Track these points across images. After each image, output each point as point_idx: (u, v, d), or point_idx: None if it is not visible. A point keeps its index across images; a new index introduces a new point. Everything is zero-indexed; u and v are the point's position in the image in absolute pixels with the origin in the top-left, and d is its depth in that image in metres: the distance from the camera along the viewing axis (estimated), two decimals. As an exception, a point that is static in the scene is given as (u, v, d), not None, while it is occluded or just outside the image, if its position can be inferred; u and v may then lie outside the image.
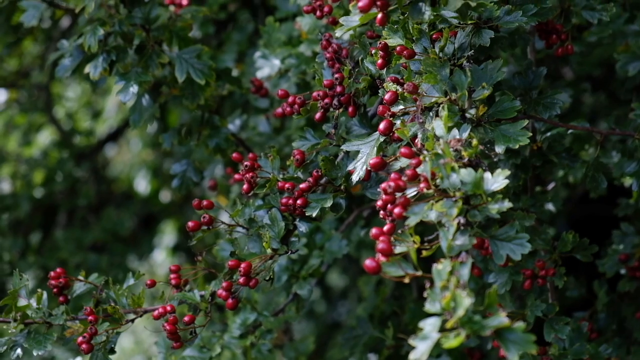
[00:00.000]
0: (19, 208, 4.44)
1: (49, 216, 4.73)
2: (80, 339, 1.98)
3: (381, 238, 1.51)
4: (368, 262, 1.48)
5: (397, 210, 1.52)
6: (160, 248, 5.21)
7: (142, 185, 5.28)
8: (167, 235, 5.33)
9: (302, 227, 1.95)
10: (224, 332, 2.52)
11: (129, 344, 6.00)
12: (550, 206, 2.37)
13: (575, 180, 2.75)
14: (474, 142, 1.55)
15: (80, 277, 2.15)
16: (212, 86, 2.40)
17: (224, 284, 1.95)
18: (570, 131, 2.35)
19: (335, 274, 4.45)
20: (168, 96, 2.45)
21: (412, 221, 1.50)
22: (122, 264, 4.54)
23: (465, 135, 1.58)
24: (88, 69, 2.33)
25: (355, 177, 1.84)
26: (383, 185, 1.55)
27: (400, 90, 1.73)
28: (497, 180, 1.50)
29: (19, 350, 2.05)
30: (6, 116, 4.90)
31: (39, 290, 2.12)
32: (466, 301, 1.34)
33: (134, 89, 2.29)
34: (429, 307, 1.38)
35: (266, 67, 2.69)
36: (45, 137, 5.07)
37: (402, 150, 1.60)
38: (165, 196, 5.23)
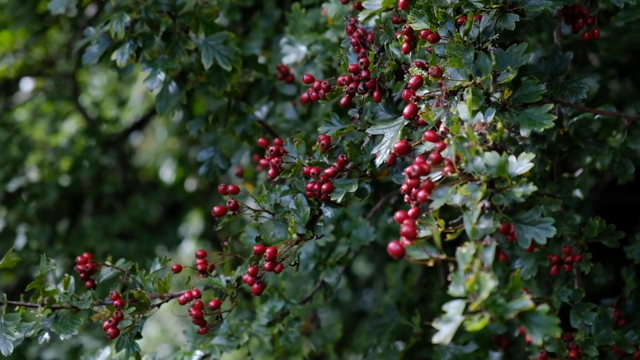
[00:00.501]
0: (47, 196, 4.48)
1: (76, 204, 4.77)
2: (106, 323, 2.01)
3: (405, 221, 1.52)
4: (392, 246, 1.49)
5: (421, 193, 1.53)
6: (186, 237, 5.24)
7: (168, 174, 5.31)
8: (193, 224, 5.37)
9: (328, 212, 1.96)
10: (251, 321, 2.55)
11: (155, 332, 6.05)
12: (577, 193, 2.37)
13: (603, 167, 2.74)
14: (499, 125, 1.56)
15: (107, 263, 2.18)
16: (238, 73, 2.41)
17: (249, 269, 1.96)
18: (597, 117, 2.35)
19: (361, 262, 4.46)
20: (194, 83, 2.47)
21: (436, 204, 1.52)
22: (149, 251, 4.59)
23: (489, 118, 1.59)
24: (115, 56, 2.35)
25: (379, 161, 1.85)
26: (407, 169, 1.56)
27: (424, 74, 1.75)
28: (521, 164, 1.51)
29: (46, 335, 2.08)
30: (33, 105, 4.95)
31: (67, 275, 2.15)
32: (490, 284, 1.35)
33: (160, 76, 2.31)
34: (452, 290, 1.40)
35: (292, 53, 2.71)
36: (71, 125, 5.12)
37: (427, 134, 1.61)
38: (190, 185, 5.26)
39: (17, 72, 4.85)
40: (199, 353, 2.38)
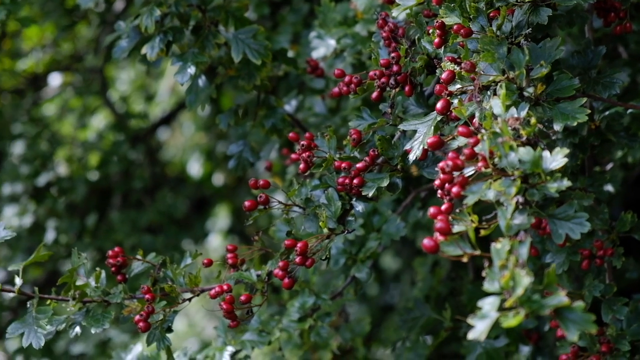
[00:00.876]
0: (76, 191, 4.52)
1: (104, 199, 4.81)
2: (137, 317, 2.03)
3: (439, 217, 1.52)
4: (426, 242, 1.49)
5: (455, 189, 1.53)
6: (213, 232, 5.26)
7: (195, 168, 5.33)
8: (220, 218, 5.39)
9: (359, 207, 1.97)
10: (281, 316, 2.56)
11: (183, 326, 6.08)
12: (609, 187, 2.36)
13: (634, 160, 2.73)
14: (533, 120, 1.56)
15: (138, 256, 2.20)
16: (268, 66, 2.42)
17: (280, 264, 1.97)
18: (629, 111, 2.34)
19: (389, 257, 4.46)
20: (224, 77, 2.48)
21: (470, 200, 1.52)
22: (176, 246, 4.61)
23: (523, 113, 1.59)
24: (145, 50, 2.36)
25: (412, 157, 1.85)
26: (441, 164, 1.57)
27: (457, 69, 1.75)
28: (555, 159, 1.51)
29: (77, 329, 2.10)
30: (61, 100, 4.98)
31: (97, 269, 2.17)
32: (525, 280, 1.35)
33: (190, 69, 2.32)
34: (487, 286, 1.40)
35: (322, 47, 2.71)
36: (99, 120, 5.15)
37: (460, 129, 1.61)
38: (218, 179, 5.28)
39: (45, 67, 4.89)
40: (230, 349, 2.39)
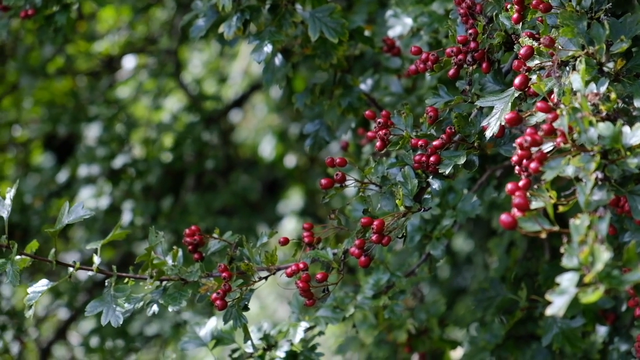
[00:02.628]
0: (151, 172, 4.61)
1: (177, 181, 4.89)
2: (214, 295, 2.06)
3: (517, 193, 1.54)
4: (504, 217, 1.51)
5: (533, 165, 1.55)
6: (286, 214, 5.31)
7: (267, 150, 5.39)
8: (293, 200, 5.44)
9: (435, 185, 1.99)
10: (356, 294, 2.59)
11: (255, 308, 6.16)
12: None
13: None
14: (612, 96, 1.57)
15: (215, 235, 2.24)
16: (344, 45, 2.45)
17: (356, 242, 2.00)
18: None
19: (461, 239, 4.47)
20: (300, 56, 2.52)
21: (548, 176, 1.53)
22: (250, 228, 4.67)
23: (603, 89, 1.59)
24: (222, 29, 2.40)
25: (489, 133, 1.86)
26: (519, 140, 1.58)
27: (535, 44, 1.76)
28: (636, 134, 1.51)
29: (154, 307, 2.15)
30: (135, 82, 5.09)
31: (175, 247, 2.22)
32: (605, 255, 1.37)
33: (267, 48, 2.36)
34: (566, 262, 1.41)
35: (398, 25, 2.73)
36: (173, 102, 5.24)
37: (539, 104, 1.62)
38: (290, 161, 5.33)
39: (120, 49, 4.99)
40: (304, 325, 2.43)
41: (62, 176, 4.70)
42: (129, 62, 5.09)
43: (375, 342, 2.97)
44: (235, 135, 5.71)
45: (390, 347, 2.97)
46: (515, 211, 1.52)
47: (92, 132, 4.76)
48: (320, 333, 2.47)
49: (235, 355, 2.40)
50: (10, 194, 2.13)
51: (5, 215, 2.11)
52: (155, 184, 4.66)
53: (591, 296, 1.37)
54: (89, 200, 4.53)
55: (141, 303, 2.14)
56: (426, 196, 2.01)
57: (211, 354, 2.40)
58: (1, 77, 4.69)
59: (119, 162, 4.60)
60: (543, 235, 1.51)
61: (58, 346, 5.00)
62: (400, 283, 2.56)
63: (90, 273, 2.14)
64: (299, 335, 2.40)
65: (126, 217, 4.49)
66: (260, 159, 5.43)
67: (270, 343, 2.42)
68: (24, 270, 2.12)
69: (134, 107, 5.15)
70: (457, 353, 3.22)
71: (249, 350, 2.37)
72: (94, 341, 4.48)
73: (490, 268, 2.96)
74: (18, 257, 2.09)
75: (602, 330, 2.66)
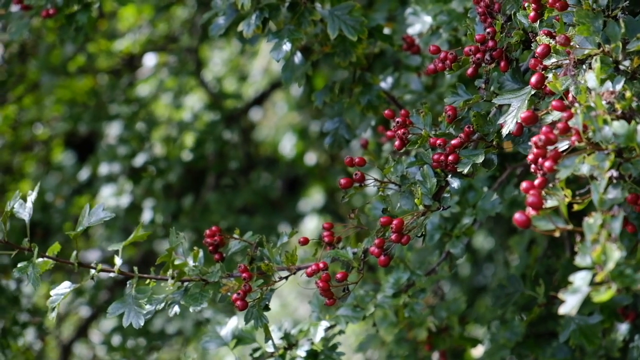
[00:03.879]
0: (172, 171, 4.64)
1: (198, 179, 4.93)
2: (235, 296, 2.08)
3: (531, 191, 1.56)
4: (518, 216, 1.54)
5: (547, 163, 1.57)
6: (307, 212, 5.33)
7: (288, 148, 5.42)
8: (314, 198, 5.46)
9: (455, 183, 2.01)
10: (376, 292, 2.62)
11: (276, 307, 6.19)
12: None
13: None
14: (628, 94, 1.59)
15: (235, 235, 2.27)
16: (363, 43, 2.48)
17: (376, 241, 2.02)
18: None
19: (481, 236, 4.49)
20: (319, 54, 2.54)
21: (563, 174, 1.56)
22: (272, 226, 4.70)
23: (618, 87, 1.61)
24: (241, 27, 2.43)
25: (505, 131, 1.89)
26: (534, 138, 1.60)
27: (552, 42, 1.78)
28: (651, 133, 1.53)
29: (176, 308, 2.17)
30: (156, 80, 5.13)
31: (195, 248, 2.24)
32: (616, 254, 1.39)
33: (286, 46, 2.39)
34: (579, 261, 1.43)
35: (417, 23, 2.76)
36: (194, 100, 5.28)
37: (554, 103, 1.65)
38: (310, 159, 5.37)
39: (141, 47, 5.04)
40: (324, 324, 2.46)
41: (84, 174, 4.76)
42: (150, 60, 5.13)
43: (395, 340, 2.99)
44: (256, 133, 5.75)
45: (410, 345, 2.99)
46: (529, 210, 1.55)
47: (113, 131, 4.80)
48: (341, 332, 2.50)
49: (256, 354, 2.42)
50: (31, 197, 2.15)
51: (27, 218, 2.15)
52: (176, 182, 4.69)
53: (603, 295, 1.39)
54: (110, 199, 4.57)
55: (162, 304, 2.17)
56: (445, 195, 2.04)
57: (232, 353, 2.43)
58: (22, 76, 4.74)
59: (139, 160, 4.65)
60: (557, 234, 1.54)
61: (79, 344, 5.07)
62: (420, 282, 2.59)
63: (112, 274, 2.18)
64: (319, 334, 2.43)
65: (147, 216, 4.54)
66: (280, 156, 5.46)
67: (291, 342, 2.45)
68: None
69: (155, 106, 5.19)
70: (478, 351, 3.25)
71: (270, 349, 2.40)
72: (116, 340, 4.53)
73: (511, 266, 2.98)
74: (40, 259, 2.12)
75: (622, 328, 2.67)
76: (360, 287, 2.73)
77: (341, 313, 2.51)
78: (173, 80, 5.04)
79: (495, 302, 2.71)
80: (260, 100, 5.40)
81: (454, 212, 2.62)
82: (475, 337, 3.06)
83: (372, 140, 3.25)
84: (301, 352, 2.42)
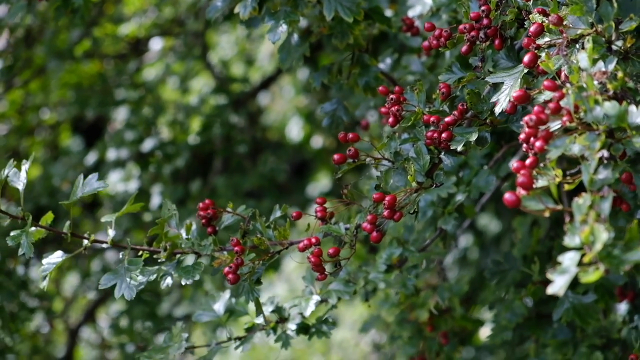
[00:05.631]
0: (180, 156, 4.65)
1: (205, 164, 4.93)
2: (226, 269, 2.09)
3: (522, 171, 1.55)
4: (507, 196, 1.53)
5: (538, 143, 1.56)
6: (315, 196, 5.32)
7: (294, 131, 5.42)
8: (322, 182, 5.46)
9: (447, 161, 2.00)
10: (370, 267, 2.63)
11: (283, 291, 6.21)
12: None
13: None
14: (619, 74, 1.58)
15: (229, 209, 2.27)
16: (361, 24, 2.47)
17: (369, 217, 2.01)
18: None
19: (487, 219, 4.48)
20: (318, 36, 2.54)
21: (553, 155, 1.55)
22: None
23: (611, 67, 1.60)
24: (238, 9, 2.43)
25: (498, 109, 1.88)
26: (526, 118, 1.59)
27: (546, 21, 1.77)
28: (642, 114, 1.52)
29: (168, 279, 2.18)
30: (163, 64, 5.13)
31: (188, 221, 2.26)
32: (604, 235, 1.38)
33: (282, 28, 2.39)
34: (568, 241, 1.43)
35: (418, 5, 2.75)
36: (200, 84, 5.27)
37: (545, 83, 1.64)
38: (316, 142, 5.36)
39: (147, 31, 5.03)
40: (315, 298, 2.47)
41: (91, 158, 4.76)
42: (156, 44, 5.13)
43: (397, 321, 3.00)
44: (263, 118, 5.74)
45: (413, 326, 3.00)
46: (519, 190, 1.54)
47: (119, 115, 4.81)
48: (333, 307, 2.51)
49: (248, 326, 2.46)
50: (25, 166, 2.14)
51: (20, 187, 2.14)
52: (184, 167, 4.70)
53: (591, 276, 1.39)
54: (118, 184, 4.58)
55: (154, 275, 2.16)
56: (438, 172, 2.03)
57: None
58: (29, 60, 4.74)
59: (147, 145, 4.65)
60: (546, 214, 1.53)
61: (87, 328, 5.09)
62: (413, 258, 2.59)
63: (104, 246, 2.20)
64: (310, 308, 2.44)
65: (155, 201, 4.53)
66: (287, 141, 5.46)
67: (283, 316, 2.47)
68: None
69: (162, 90, 5.19)
70: (486, 332, 3.25)
71: (260, 321, 2.43)
72: (123, 323, 4.55)
73: (514, 247, 2.97)
74: (33, 228, 2.12)
75: (622, 308, 2.67)
76: (359, 265, 2.73)
77: (333, 287, 2.52)
78: (180, 65, 5.03)
79: (491, 277, 2.72)
80: (267, 84, 5.39)
81: (452, 193, 2.62)
82: (479, 319, 3.06)
83: (376, 123, 3.24)
84: (292, 325, 2.44)
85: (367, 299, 2.72)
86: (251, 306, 2.36)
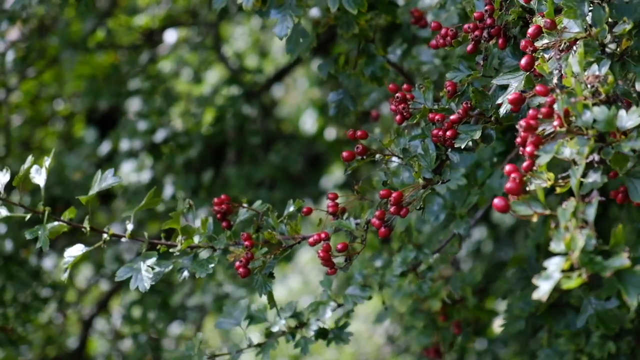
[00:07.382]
0: (192, 147, 4.72)
1: (218, 154, 5.00)
2: (237, 263, 2.16)
3: (512, 176, 1.61)
4: (497, 201, 1.58)
5: (528, 148, 1.62)
6: (328, 189, 5.37)
7: (308, 123, 5.49)
8: (336, 175, 5.52)
9: (454, 158, 2.06)
10: (386, 269, 2.71)
11: (297, 284, 6.28)
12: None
13: None
14: (610, 78, 1.62)
15: (244, 204, 2.35)
16: (367, 15, 2.53)
17: (377, 213, 2.07)
18: None
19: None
20: (325, 26, 2.60)
21: (542, 160, 1.59)
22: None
23: (604, 70, 1.65)
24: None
25: (502, 111, 1.94)
26: (521, 122, 1.64)
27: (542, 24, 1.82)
28: (631, 118, 1.56)
29: (185, 273, 2.25)
30: (176, 56, 5.19)
31: (204, 216, 2.32)
32: (581, 242, 1.43)
33: (289, 22, 2.43)
34: (554, 247, 1.47)
35: (426, -4, 2.81)
36: (213, 75, 5.33)
37: (538, 87, 1.69)
38: (329, 134, 5.41)
39: (161, 23, 5.12)
40: (333, 304, 2.54)
41: (104, 149, 4.86)
42: (170, 35, 5.19)
43: (410, 311, 3.08)
44: (277, 110, 5.79)
45: (425, 315, 3.08)
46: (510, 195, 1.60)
47: (133, 106, 4.89)
48: (350, 312, 2.57)
49: (267, 332, 2.51)
50: (47, 162, 2.20)
51: (42, 183, 2.20)
52: (196, 157, 4.77)
53: (572, 282, 1.42)
54: (131, 174, 4.67)
55: (170, 267, 2.23)
56: (446, 169, 2.09)
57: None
58: (42, 51, 4.82)
59: (160, 136, 4.74)
60: (535, 219, 1.58)
61: (100, 319, 5.18)
62: (427, 261, 2.67)
63: (123, 240, 2.27)
64: (327, 313, 2.51)
65: (168, 191, 4.62)
66: (301, 133, 5.53)
67: (301, 321, 2.52)
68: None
69: (175, 81, 5.25)
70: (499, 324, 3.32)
71: (277, 328, 2.50)
72: (136, 313, 4.65)
73: (529, 237, 3.01)
74: (55, 223, 2.19)
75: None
76: (371, 259, 2.80)
77: (349, 292, 2.57)
78: (193, 56, 5.09)
79: (516, 283, 2.78)
80: (280, 76, 5.43)
81: (463, 191, 2.68)
82: (492, 309, 3.11)
83: (389, 115, 3.29)
84: (310, 331, 2.49)
85: (383, 302, 2.80)
86: (270, 313, 2.46)
